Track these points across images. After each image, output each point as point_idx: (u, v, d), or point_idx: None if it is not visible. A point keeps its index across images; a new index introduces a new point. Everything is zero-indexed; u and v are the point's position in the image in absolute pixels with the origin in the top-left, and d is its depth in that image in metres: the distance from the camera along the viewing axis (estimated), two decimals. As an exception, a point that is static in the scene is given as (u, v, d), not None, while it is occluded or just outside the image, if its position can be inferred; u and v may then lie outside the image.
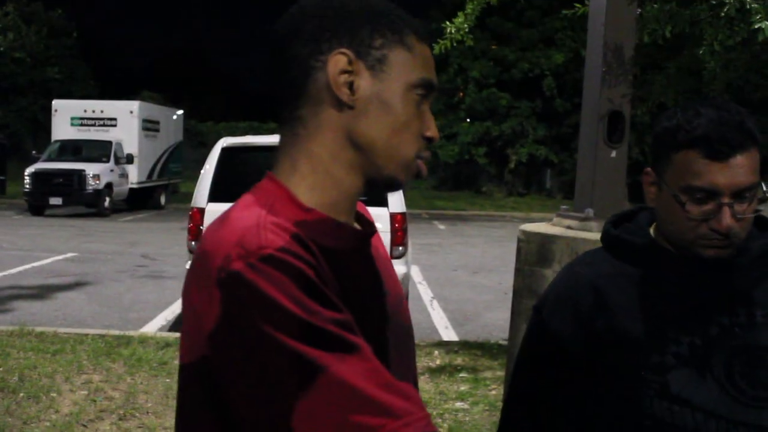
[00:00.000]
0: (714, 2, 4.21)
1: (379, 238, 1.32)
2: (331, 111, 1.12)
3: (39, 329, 7.35)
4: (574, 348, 1.47)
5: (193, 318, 1.05)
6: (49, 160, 20.79)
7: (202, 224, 7.28)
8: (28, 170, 20.07)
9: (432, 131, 1.18)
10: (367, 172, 1.15)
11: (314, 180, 1.14)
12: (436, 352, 6.85)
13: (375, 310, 1.15)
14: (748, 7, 3.98)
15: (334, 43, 1.12)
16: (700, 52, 4.94)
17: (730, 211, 1.36)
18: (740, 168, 1.36)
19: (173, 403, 5.60)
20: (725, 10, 4.07)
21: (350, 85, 1.11)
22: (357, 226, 1.22)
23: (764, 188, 1.41)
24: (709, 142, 1.36)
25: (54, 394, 5.46)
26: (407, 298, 7.69)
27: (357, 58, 1.12)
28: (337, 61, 1.11)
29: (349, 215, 1.18)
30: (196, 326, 1.04)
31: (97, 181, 19.99)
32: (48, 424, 4.95)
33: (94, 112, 22.29)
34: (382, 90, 1.13)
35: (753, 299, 1.44)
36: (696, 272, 1.43)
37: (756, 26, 3.97)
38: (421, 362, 6.52)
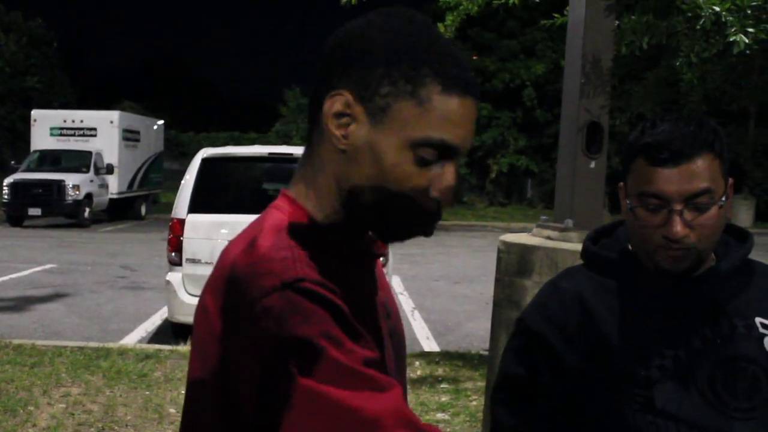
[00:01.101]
0: (690, 15, 4.26)
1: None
2: (329, 148, 1.09)
3: (16, 341, 7.27)
4: (560, 362, 1.47)
5: (211, 340, 1.05)
6: (29, 170, 20.64)
7: (182, 235, 7.25)
8: (7, 180, 19.90)
9: (438, 191, 1.08)
10: None
11: (321, 203, 1.12)
12: (417, 363, 6.85)
13: (380, 329, 1.14)
14: (723, 20, 4.03)
15: (342, 80, 1.07)
16: (677, 63, 4.99)
17: (680, 218, 1.36)
18: (689, 174, 1.36)
19: (152, 416, 5.56)
20: (701, 22, 4.12)
21: (346, 128, 1.06)
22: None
23: (722, 198, 1.39)
24: (656, 149, 1.37)
25: (32, 408, 5.40)
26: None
27: (358, 102, 1.06)
28: (334, 101, 1.06)
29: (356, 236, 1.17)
30: (214, 351, 1.04)
31: (77, 192, 19.86)
32: (25, 437, 4.90)
33: (73, 122, 22.15)
34: (377, 141, 1.05)
35: (734, 310, 1.44)
36: (675, 285, 1.44)
37: (731, 39, 4.01)
38: (403, 373, 6.52)
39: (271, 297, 0.99)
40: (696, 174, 1.36)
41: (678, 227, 1.36)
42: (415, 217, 1.10)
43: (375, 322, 1.13)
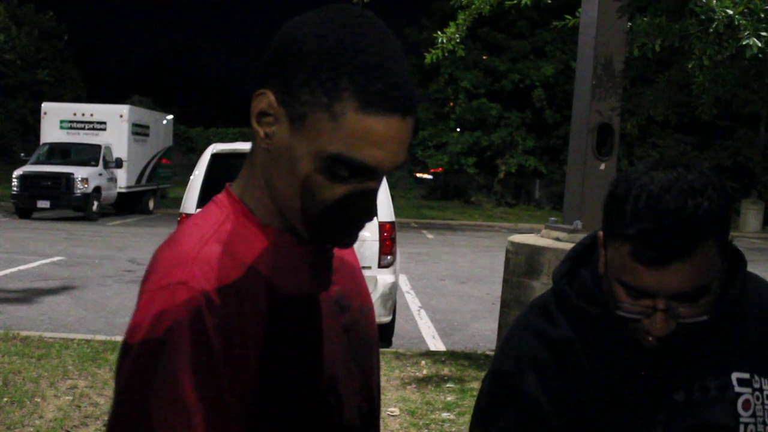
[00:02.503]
0: (703, 17, 4.25)
1: (351, 248, 1.28)
2: (258, 145, 1.09)
3: (24, 333, 7.30)
4: (543, 410, 1.32)
5: None
6: (38, 162, 20.69)
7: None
8: (16, 173, 19.96)
9: (354, 207, 1.04)
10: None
11: (259, 199, 1.12)
12: (423, 362, 6.85)
13: (316, 323, 1.13)
14: (736, 23, 4.02)
15: (269, 80, 1.04)
16: (689, 66, 4.98)
17: (664, 316, 1.18)
18: (680, 273, 1.15)
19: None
20: (714, 25, 4.11)
21: (270, 128, 1.04)
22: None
23: (712, 282, 1.18)
24: (642, 245, 1.15)
25: (38, 400, 5.42)
26: (393, 308, 7.71)
27: (280, 104, 1.03)
28: (259, 101, 1.04)
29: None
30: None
31: (86, 185, 19.91)
32: (32, 429, 4.91)
33: (83, 115, 22.20)
34: (294, 147, 1.02)
35: (709, 367, 1.32)
36: (648, 352, 1.30)
37: (744, 42, 4.00)
38: (408, 372, 6.52)
39: (147, 292, 1.03)
40: (690, 272, 1.15)
41: (662, 326, 1.19)
42: (326, 227, 1.06)
43: (309, 319, 1.12)
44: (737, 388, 1.32)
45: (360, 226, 1.08)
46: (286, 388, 1.07)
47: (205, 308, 1.01)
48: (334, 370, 1.13)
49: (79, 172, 19.85)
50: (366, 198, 1.04)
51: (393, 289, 7.31)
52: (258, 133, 1.05)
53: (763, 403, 1.34)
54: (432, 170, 33.75)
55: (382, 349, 7.34)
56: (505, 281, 4.53)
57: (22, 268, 11.79)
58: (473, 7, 5.65)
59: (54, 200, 19.73)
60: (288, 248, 1.12)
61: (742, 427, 1.31)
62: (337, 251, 1.20)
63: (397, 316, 8.05)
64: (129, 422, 0.99)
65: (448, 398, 5.82)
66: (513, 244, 4.49)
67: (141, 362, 1.01)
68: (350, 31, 1.00)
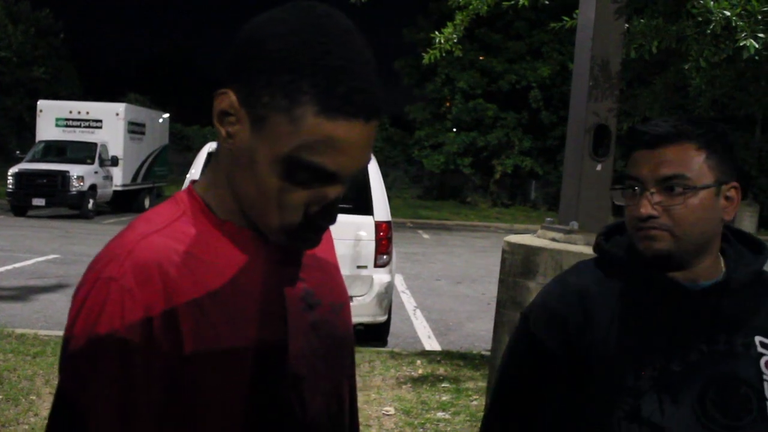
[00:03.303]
0: (700, 19, 4.25)
1: (326, 243, 1.27)
2: (221, 144, 1.07)
3: (19, 331, 7.29)
4: (558, 360, 1.46)
5: None
6: (33, 160, 20.63)
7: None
8: (12, 170, 19.90)
9: (314, 212, 1.03)
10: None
11: (221, 198, 1.10)
12: (419, 362, 6.85)
13: (276, 320, 1.10)
14: (733, 24, 4.02)
15: (231, 79, 1.02)
16: (686, 68, 4.98)
17: (647, 199, 1.39)
18: (662, 159, 1.39)
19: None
20: (711, 27, 4.11)
21: (232, 127, 1.02)
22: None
23: (696, 184, 1.39)
24: (639, 133, 1.42)
25: (33, 397, 5.41)
26: (392, 305, 7.71)
27: (242, 105, 1.01)
28: (221, 100, 1.02)
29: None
30: None
31: (81, 183, 19.87)
32: (27, 427, 4.90)
33: (79, 113, 22.15)
34: (255, 148, 1.00)
35: (735, 326, 1.42)
36: (678, 295, 1.42)
37: (741, 44, 4.00)
38: (404, 371, 6.52)
39: (83, 286, 1.02)
40: (669, 159, 1.39)
41: (643, 207, 1.39)
42: (286, 230, 1.05)
43: (267, 316, 1.09)
44: (759, 349, 1.42)
45: (322, 229, 1.07)
46: (236, 387, 1.04)
47: (132, 305, 0.99)
48: (298, 369, 1.11)
49: (74, 170, 19.81)
50: (327, 202, 1.03)
51: (389, 289, 7.31)
52: (220, 132, 1.03)
53: None
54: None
55: (378, 349, 7.35)
56: (501, 281, 4.53)
57: (17, 265, 11.76)
58: (471, 7, 5.65)
59: (49, 198, 19.68)
60: (247, 245, 1.10)
61: (766, 385, 1.39)
62: (311, 249, 1.18)
63: (392, 316, 8.05)
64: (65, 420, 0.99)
65: (444, 398, 5.82)
66: (509, 244, 4.50)
67: (76, 360, 0.99)
68: (315, 31, 0.97)
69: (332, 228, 1.15)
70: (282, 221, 1.04)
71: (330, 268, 1.26)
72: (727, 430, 1.36)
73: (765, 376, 1.40)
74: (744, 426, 1.37)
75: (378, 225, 7.06)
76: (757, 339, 1.42)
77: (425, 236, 20.56)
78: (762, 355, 1.41)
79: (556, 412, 1.47)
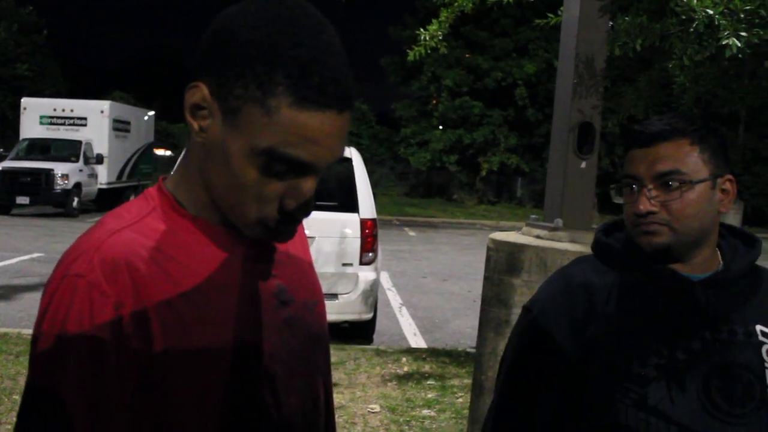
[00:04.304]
0: (684, 17, 4.26)
1: (300, 241, 1.27)
2: (193, 138, 1.06)
3: (2, 330, 7.24)
4: (565, 351, 1.48)
5: None
6: (17, 158, 20.51)
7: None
8: (-5, 168, 19.79)
9: (290, 205, 1.02)
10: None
11: (192, 193, 1.10)
12: (404, 359, 6.85)
13: (247, 317, 1.09)
14: (716, 23, 4.04)
15: (203, 72, 1.02)
16: (670, 65, 5.01)
17: (646, 194, 1.43)
18: (658, 156, 1.43)
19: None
20: (694, 25, 4.13)
21: (204, 121, 1.02)
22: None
23: (692, 179, 1.42)
24: (636, 132, 1.47)
25: (16, 397, 5.37)
26: (379, 304, 7.70)
27: (214, 97, 1.01)
28: (192, 93, 1.02)
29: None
30: None
31: (66, 181, 19.76)
32: (9, 427, 4.87)
33: (63, 111, 22.03)
34: (228, 141, 1.00)
35: (736, 315, 1.46)
36: (679, 286, 1.45)
37: (724, 42, 4.02)
38: (389, 369, 6.52)
39: (51, 282, 1.02)
40: (664, 155, 1.43)
41: (642, 204, 1.43)
42: (261, 223, 1.04)
43: (237, 312, 1.08)
44: (760, 338, 1.46)
45: (298, 221, 1.07)
46: (210, 385, 1.04)
47: (101, 301, 0.98)
48: (272, 367, 1.10)
49: (59, 168, 19.70)
50: (302, 194, 1.02)
51: (374, 286, 7.31)
52: (192, 126, 1.03)
53: None
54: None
55: (363, 347, 7.35)
56: (486, 279, 4.54)
57: (0, 264, 11.69)
58: (456, 4, 5.65)
59: (33, 196, 19.57)
60: (219, 240, 1.09)
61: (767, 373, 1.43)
62: (284, 246, 1.17)
63: (378, 313, 8.05)
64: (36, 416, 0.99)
65: (429, 395, 5.83)
66: (494, 241, 4.50)
67: (45, 358, 0.99)
68: (286, 23, 0.98)
69: (318, 225, 1.14)
70: (259, 214, 1.03)
71: (303, 266, 1.25)
72: (732, 418, 1.39)
73: (767, 364, 1.44)
74: (748, 413, 1.40)
75: (363, 222, 7.06)
76: (758, 327, 1.46)
77: (411, 234, 20.57)
78: (763, 343, 1.45)
79: (564, 402, 1.49)
